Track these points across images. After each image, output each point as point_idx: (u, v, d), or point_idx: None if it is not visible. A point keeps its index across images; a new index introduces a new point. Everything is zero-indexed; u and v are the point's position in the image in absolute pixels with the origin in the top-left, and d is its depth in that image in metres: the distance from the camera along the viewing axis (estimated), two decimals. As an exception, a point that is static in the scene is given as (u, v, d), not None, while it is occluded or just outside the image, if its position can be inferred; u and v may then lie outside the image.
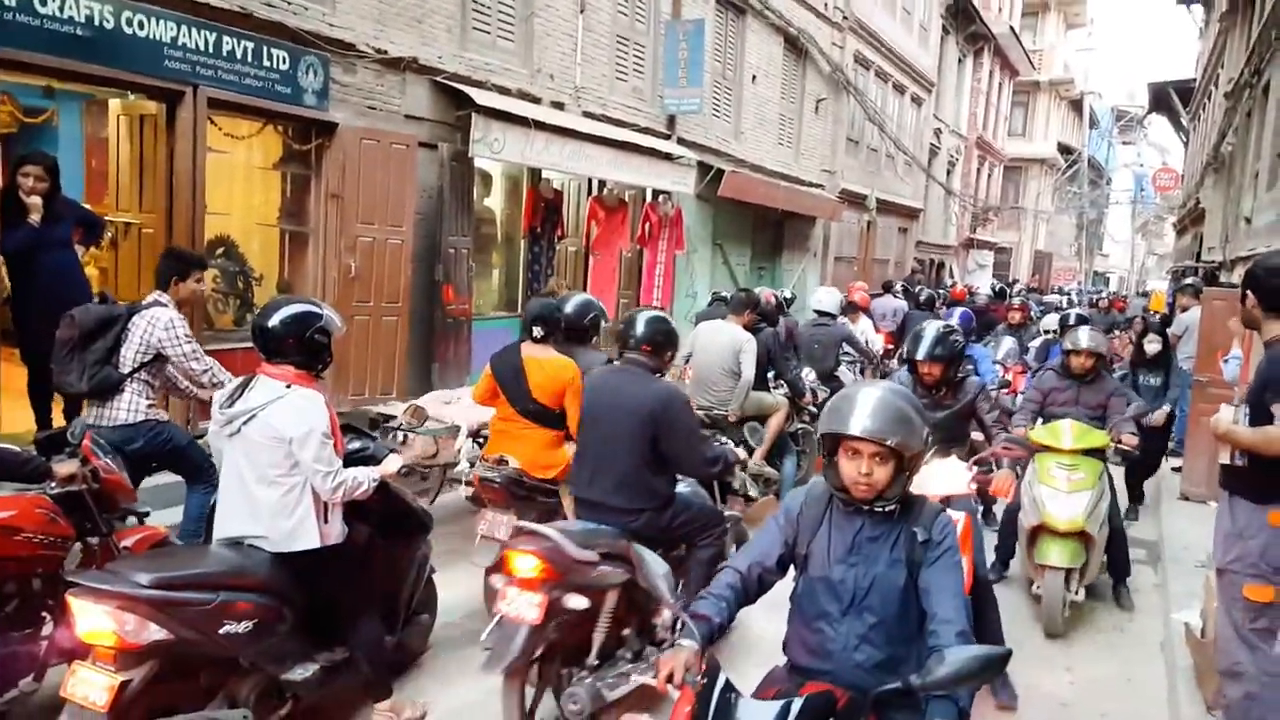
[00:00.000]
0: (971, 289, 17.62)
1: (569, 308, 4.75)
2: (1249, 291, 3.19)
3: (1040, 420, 5.27)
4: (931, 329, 4.25)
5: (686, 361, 6.14)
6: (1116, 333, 12.16)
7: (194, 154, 5.94)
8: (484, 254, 9.18)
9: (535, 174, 9.16)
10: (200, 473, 4.27)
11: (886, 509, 2.23)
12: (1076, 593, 4.66)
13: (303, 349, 3.09)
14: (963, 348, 4.29)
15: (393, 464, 3.39)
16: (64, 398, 4.91)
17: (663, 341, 3.73)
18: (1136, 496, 6.94)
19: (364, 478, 3.16)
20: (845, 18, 15.87)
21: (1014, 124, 33.01)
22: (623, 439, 3.47)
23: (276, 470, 3.02)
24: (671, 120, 11.03)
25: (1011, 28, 27.15)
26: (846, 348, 7.76)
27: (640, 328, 3.70)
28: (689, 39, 10.40)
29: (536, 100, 8.67)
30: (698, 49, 10.44)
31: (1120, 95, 43.50)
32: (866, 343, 8.52)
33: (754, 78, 13.17)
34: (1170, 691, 4.14)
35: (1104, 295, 22.15)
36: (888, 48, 18.00)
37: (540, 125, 7.97)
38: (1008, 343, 8.71)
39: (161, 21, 5.55)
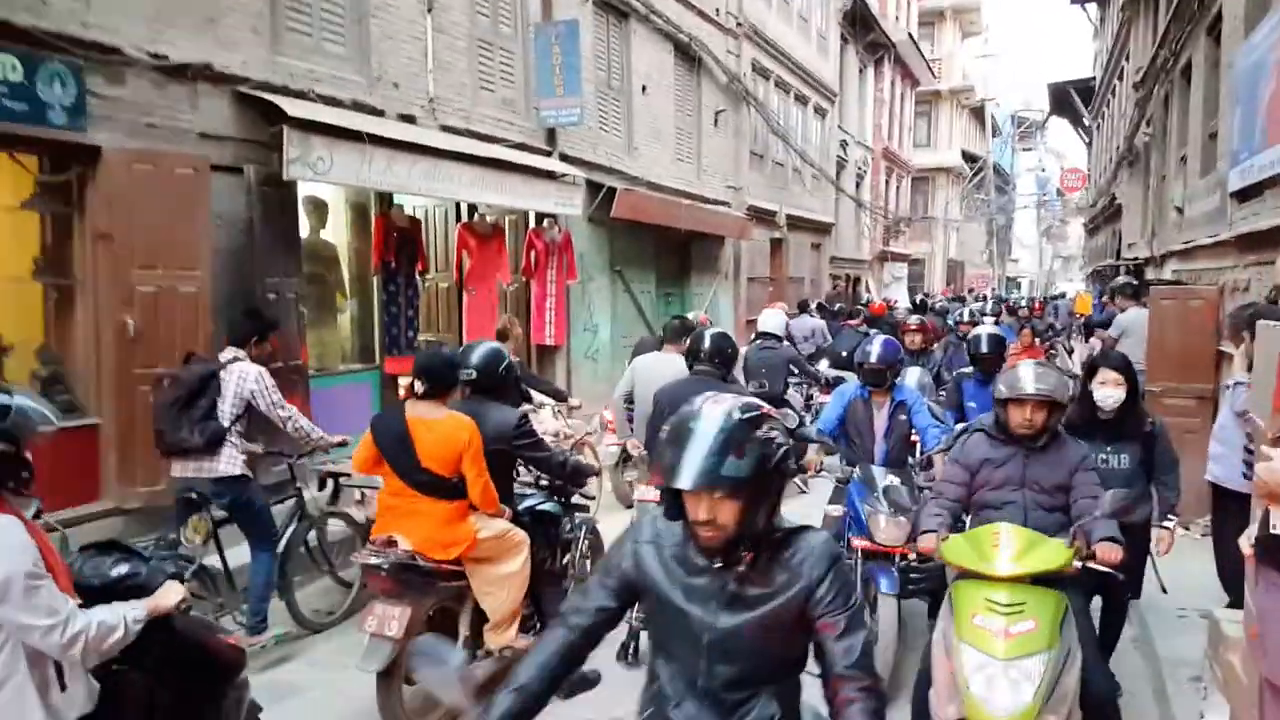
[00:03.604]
0: (890, 303, 16.88)
1: (475, 358, 4.08)
2: None
3: (967, 517, 3.38)
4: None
5: (628, 401, 5.79)
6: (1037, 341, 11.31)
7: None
8: (324, 298, 7.73)
9: (387, 199, 7.83)
10: (268, 536, 4.65)
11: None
12: None
13: None
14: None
15: (169, 595, 2.59)
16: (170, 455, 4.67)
17: (729, 355, 4.58)
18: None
19: (117, 620, 2.35)
20: (739, 24, 15.00)
21: (919, 134, 33.06)
22: None
23: None
24: (552, 134, 9.83)
25: (910, 36, 27.02)
26: (793, 369, 7.69)
27: (708, 344, 4.53)
28: (562, 43, 9.22)
29: (379, 113, 7.35)
30: (572, 54, 9.26)
31: (1017, 102, 44.28)
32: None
33: (644, 88, 12.11)
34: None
35: (1022, 299, 21.67)
36: (786, 56, 17.25)
37: (379, 140, 6.64)
38: (914, 376, 6.01)
39: None
